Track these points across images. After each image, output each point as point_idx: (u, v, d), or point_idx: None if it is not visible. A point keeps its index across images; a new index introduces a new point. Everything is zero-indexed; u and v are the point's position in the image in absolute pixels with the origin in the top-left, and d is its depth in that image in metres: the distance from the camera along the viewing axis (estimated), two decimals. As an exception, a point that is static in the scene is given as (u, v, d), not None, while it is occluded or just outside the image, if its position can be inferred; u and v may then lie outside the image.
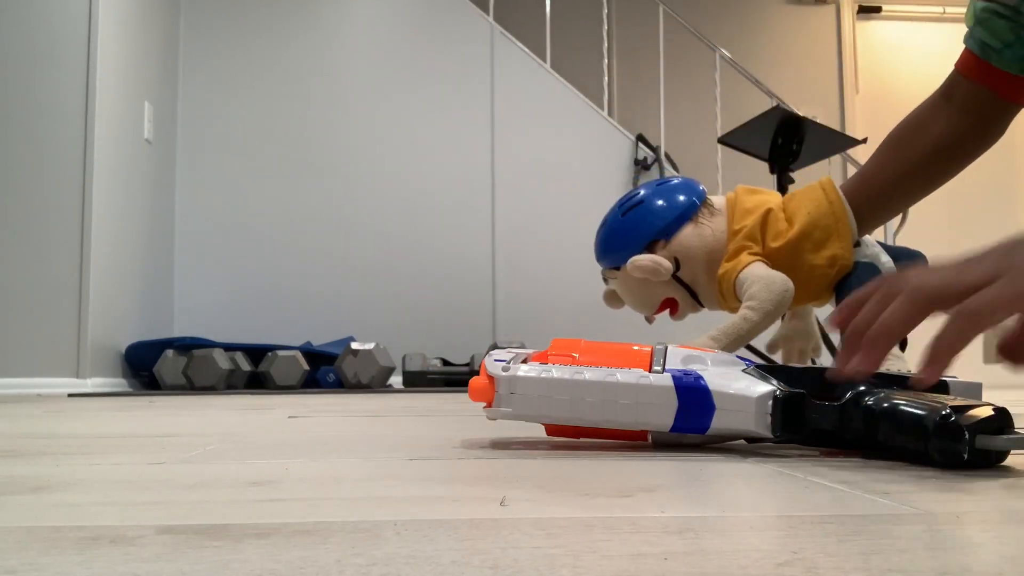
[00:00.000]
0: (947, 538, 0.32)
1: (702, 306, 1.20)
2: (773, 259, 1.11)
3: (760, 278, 1.08)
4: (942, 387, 0.61)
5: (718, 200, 1.18)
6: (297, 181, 3.55)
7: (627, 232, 1.17)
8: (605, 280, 1.23)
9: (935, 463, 0.54)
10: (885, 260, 1.09)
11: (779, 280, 1.07)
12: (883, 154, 1.10)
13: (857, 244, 1.10)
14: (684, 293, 1.17)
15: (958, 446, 0.53)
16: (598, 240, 1.22)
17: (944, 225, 4.57)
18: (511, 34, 3.72)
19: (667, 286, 1.16)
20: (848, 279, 1.09)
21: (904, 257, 1.14)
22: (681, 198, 1.17)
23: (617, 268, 1.18)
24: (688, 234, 1.15)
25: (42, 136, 2.40)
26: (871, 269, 1.08)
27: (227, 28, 3.58)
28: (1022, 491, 0.45)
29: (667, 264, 1.13)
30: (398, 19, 3.66)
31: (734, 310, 1.16)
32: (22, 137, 2.31)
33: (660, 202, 1.17)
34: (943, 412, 0.54)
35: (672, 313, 1.21)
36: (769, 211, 1.13)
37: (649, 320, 1.25)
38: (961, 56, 1.03)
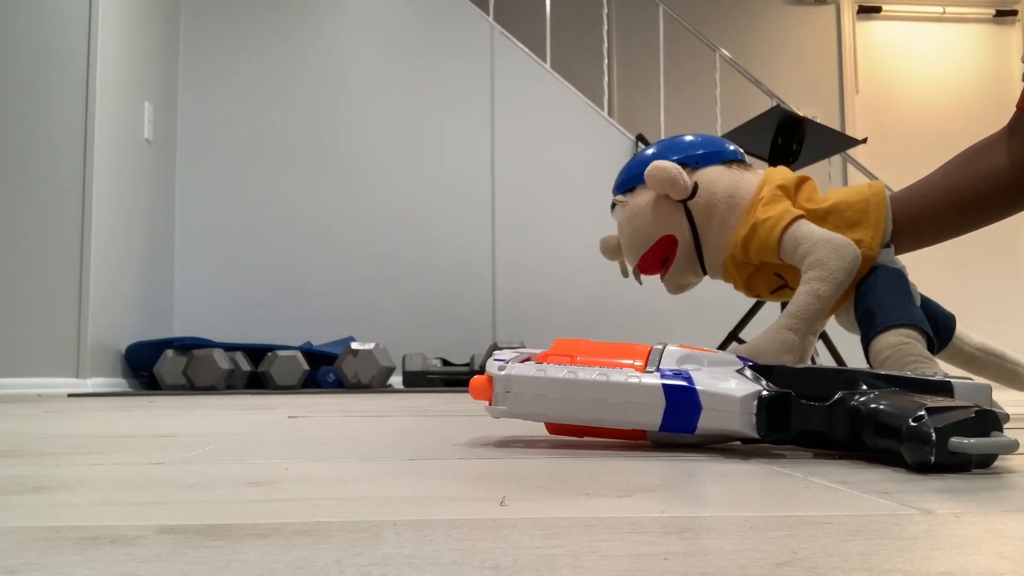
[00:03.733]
0: (947, 538, 0.32)
1: (702, 266, 1.16)
2: None
3: (825, 241, 1.02)
4: (946, 388, 0.61)
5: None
6: (297, 181, 3.55)
7: (655, 155, 1.14)
8: (612, 207, 1.19)
9: (909, 465, 0.54)
10: (914, 288, 1.05)
11: (847, 244, 1.02)
12: (937, 174, 1.07)
13: (887, 245, 1.06)
14: (688, 235, 1.13)
15: (924, 448, 0.52)
16: (622, 169, 1.19)
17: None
18: (511, 34, 3.72)
19: (673, 217, 1.12)
20: (870, 279, 1.04)
21: (939, 316, 1.12)
22: (721, 144, 1.15)
23: (632, 191, 1.15)
24: (717, 170, 1.12)
25: (42, 136, 2.40)
26: (896, 275, 1.04)
27: (227, 28, 3.58)
28: (1021, 491, 0.45)
29: (687, 178, 1.09)
30: (398, 18, 3.66)
31: (744, 267, 1.13)
32: (22, 137, 2.31)
33: (697, 139, 1.15)
34: (917, 414, 0.53)
35: (666, 267, 1.16)
36: (807, 179, 1.11)
37: (637, 278, 1.20)
38: (1022, 95, 1.00)
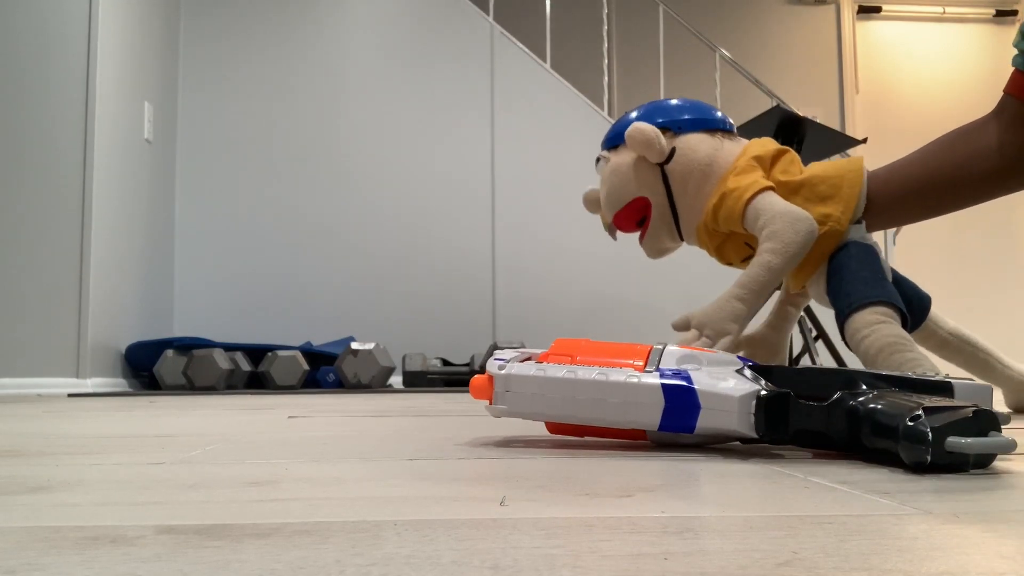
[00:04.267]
0: (947, 538, 0.32)
1: (679, 232, 1.17)
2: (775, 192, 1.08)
3: (783, 213, 1.03)
4: (946, 389, 0.60)
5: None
6: (297, 181, 3.55)
7: (641, 117, 1.16)
8: (597, 162, 1.22)
9: (906, 466, 0.54)
10: (886, 264, 1.07)
11: (804, 219, 1.02)
12: (918, 153, 1.06)
13: (859, 222, 1.07)
14: (664, 198, 1.14)
15: (921, 448, 0.52)
16: (612, 126, 1.21)
17: (944, 224, 4.57)
18: (511, 34, 3.72)
19: (649, 179, 1.13)
20: (842, 255, 1.05)
21: (913, 296, 1.12)
22: (708, 111, 1.16)
23: (616, 148, 1.17)
24: (698, 137, 1.13)
25: (42, 136, 2.40)
26: (868, 251, 1.05)
27: (227, 29, 3.58)
28: (1021, 491, 0.45)
29: (664, 142, 1.11)
30: (398, 18, 3.66)
31: (715, 235, 1.14)
32: (22, 137, 2.31)
33: (687, 105, 1.17)
34: (914, 413, 0.53)
35: (643, 229, 1.17)
36: (786, 151, 1.12)
37: (612, 234, 1.22)
38: (1010, 79, 1.00)
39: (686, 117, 1.14)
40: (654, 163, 1.13)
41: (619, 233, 1.23)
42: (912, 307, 1.11)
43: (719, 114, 1.17)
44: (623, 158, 1.16)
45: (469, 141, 3.63)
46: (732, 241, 1.14)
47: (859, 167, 1.08)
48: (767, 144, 1.13)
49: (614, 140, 1.18)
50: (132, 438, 0.78)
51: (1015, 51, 0.98)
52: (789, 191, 1.08)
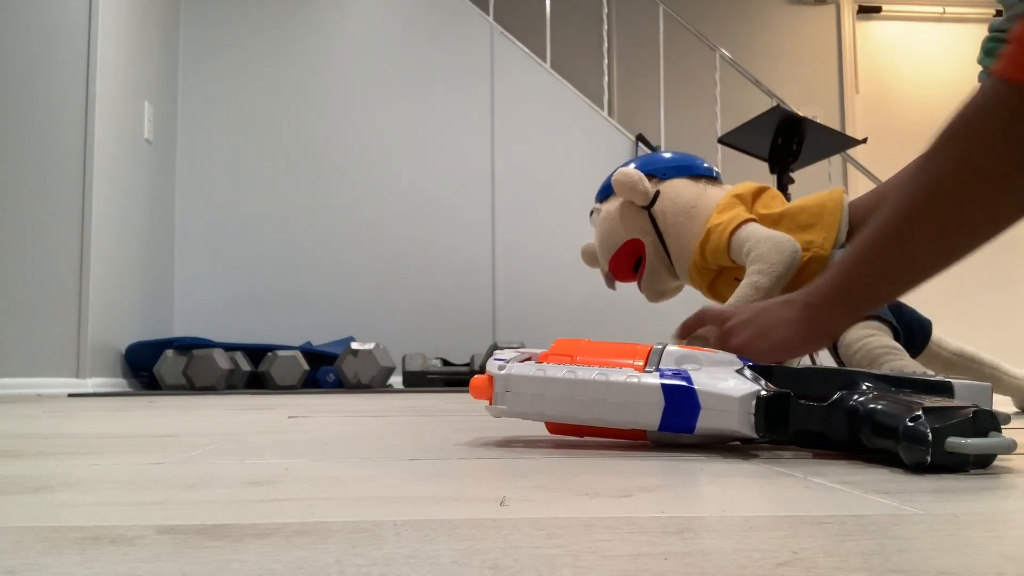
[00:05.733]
0: (947, 538, 0.32)
1: (676, 270, 1.21)
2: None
3: (766, 238, 1.06)
4: (946, 389, 0.60)
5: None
6: (297, 181, 3.55)
7: (627, 165, 1.22)
8: (591, 214, 1.27)
9: (906, 466, 0.54)
10: None
11: (787, 241, 1.06)
12: (899, 177, 1.09)
13: (843, 247, 1.09)
14: (655, 237, 1.19)
15: (921, 448, 0.52)
16: (605, 180, 1.26)
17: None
18: (511, 34, 3.72)
19: (638, 222, 1.19)
20: None
21: (914, 321, 1.14)
22: (691, 160, 1.22)
23: (607, 199, 1.23)
24: (682, 182, 1.19)
25: (42, 136, 2.40)
26: None
27: (227, 28, 3.58)
28: (1021, 491, 0.45)
29: (648, 185, 1.17)
30: (398, 18, 3.66)
31: (705, 273, 1.17)
32: (22, 137, 2.31)
33: (671, 155, 1.24)
34: (914, 414, 0.53)
35: (640, 272, 1.21)
36: (767, 188, 1.16)
37: (611, 284, 1.27)
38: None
39: (670, 165, 1.22)
40: (640, 206, 1.19)
41: (618, 284, 1.28)
42: (914, 333, 1.13)
43: (703, 163, 1.24)
44: (612, 205, 1.23)
45: (469, 141, 3.63)
46: (723, 277, 1.19)
47: (838, 197, 1.13)
48: (748, 184, 1.21)
49: (605, 191, 1.26)
50: (132, 438, 0.78)
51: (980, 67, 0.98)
52: (771, 222, 1.13)
